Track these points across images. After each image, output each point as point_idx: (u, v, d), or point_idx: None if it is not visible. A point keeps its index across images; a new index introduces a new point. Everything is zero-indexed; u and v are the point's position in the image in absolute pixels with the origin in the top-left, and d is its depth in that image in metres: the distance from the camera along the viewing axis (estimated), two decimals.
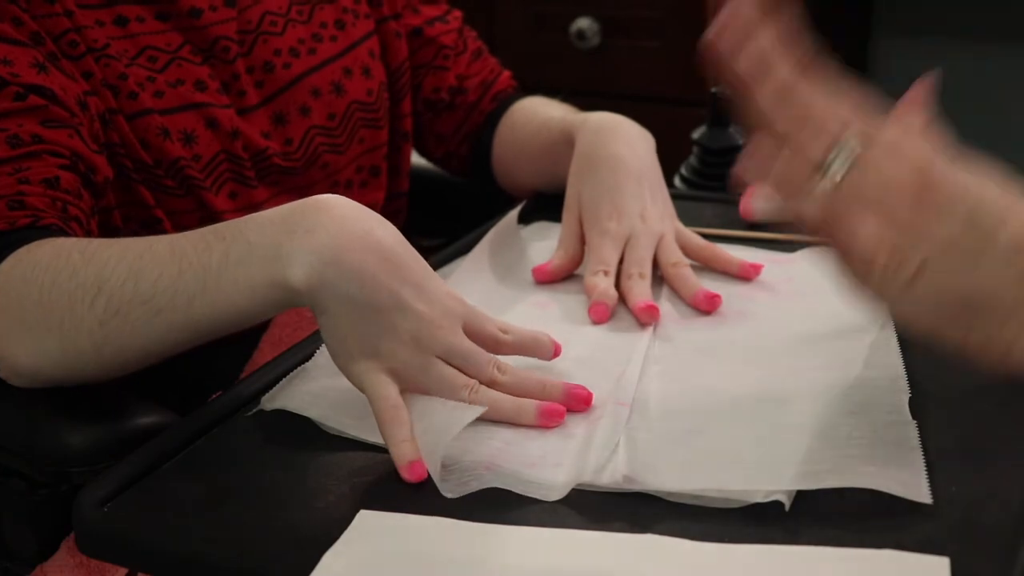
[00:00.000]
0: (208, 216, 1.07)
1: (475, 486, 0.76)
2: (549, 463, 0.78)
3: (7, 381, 0.91)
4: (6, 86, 0.96)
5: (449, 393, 0.81)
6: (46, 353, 0.88)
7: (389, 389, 0.80)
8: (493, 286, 1.06)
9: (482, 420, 0.81)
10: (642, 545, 0.70)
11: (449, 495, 0.76)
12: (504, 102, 1.30)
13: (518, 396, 0.83)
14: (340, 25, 1.20)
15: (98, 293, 0.86)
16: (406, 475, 0.78)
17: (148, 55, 1.06)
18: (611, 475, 0.76)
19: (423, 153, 1.34)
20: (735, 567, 0.68)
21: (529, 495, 0.75)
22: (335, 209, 0.82)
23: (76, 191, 0.96)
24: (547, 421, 0.82)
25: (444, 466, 0.78)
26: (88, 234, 0.97)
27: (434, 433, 0.79)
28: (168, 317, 0.84)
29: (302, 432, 0.84)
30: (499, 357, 0.85)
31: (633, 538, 0.71)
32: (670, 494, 0.74)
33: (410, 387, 0.81)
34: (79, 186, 0.97)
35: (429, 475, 0.77)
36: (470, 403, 0.81)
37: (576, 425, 0.82)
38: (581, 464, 0.78)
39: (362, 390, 0.81)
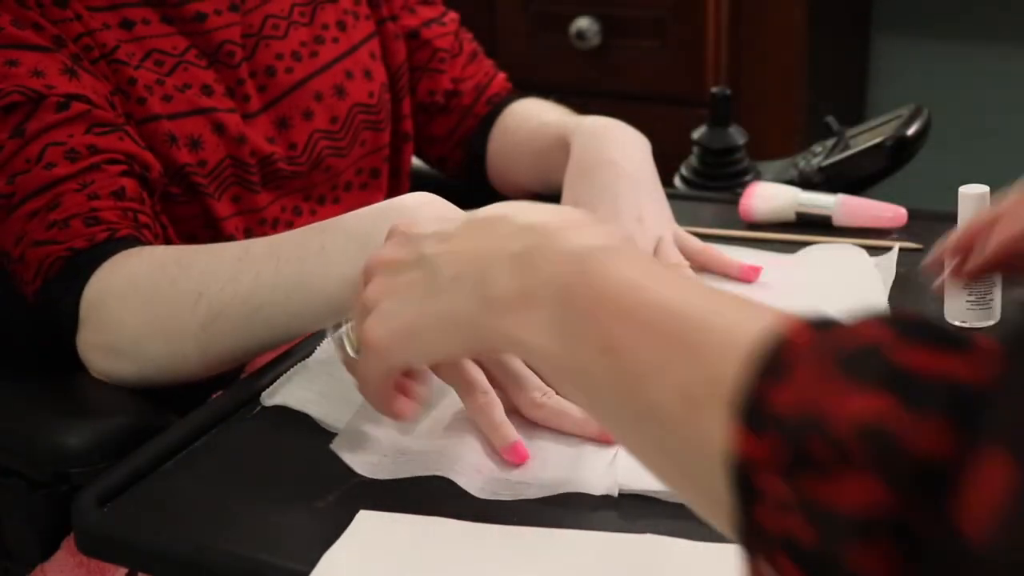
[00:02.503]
0: (210, 222, 1.07)
1: (466, 486, 0.76)
2: (543, 468, 0.78)
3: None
4: (45, 99, 0.96)
5: (524, 389, 0.80)
6: (152, 362, 0.91)
7: (477, 374, 0.79)
8: None
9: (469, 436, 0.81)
10: (642, 545, 0.70)
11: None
12: (498, 105, 1.29)
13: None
14: (341, 26, 1.19)
15: (199, 298, 0.88)
16: (510, 457, 0.77)
17: (155, 58, 1.06)
18: (608, 487, 0.75)
19: (419, 155, 1.34)
20: (735, 567, 0.68)
21: (518, 496, 0.75)
22: (431, 206, 0.83)
23: (139, 197, 0.98)
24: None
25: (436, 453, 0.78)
26: (156, 237, 0.99)
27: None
28: (267, 313, 0.87)
29: (302, 432, 0.84)
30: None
31: (633, 538, 0.71)
32: (668, 493, 0.74)
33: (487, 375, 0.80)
34: (141, 191, 0.99)
35: (425, 477, 0.77)
36: (541, 405, 0.80)
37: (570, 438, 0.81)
38: (577, 472, 0.77)
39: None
